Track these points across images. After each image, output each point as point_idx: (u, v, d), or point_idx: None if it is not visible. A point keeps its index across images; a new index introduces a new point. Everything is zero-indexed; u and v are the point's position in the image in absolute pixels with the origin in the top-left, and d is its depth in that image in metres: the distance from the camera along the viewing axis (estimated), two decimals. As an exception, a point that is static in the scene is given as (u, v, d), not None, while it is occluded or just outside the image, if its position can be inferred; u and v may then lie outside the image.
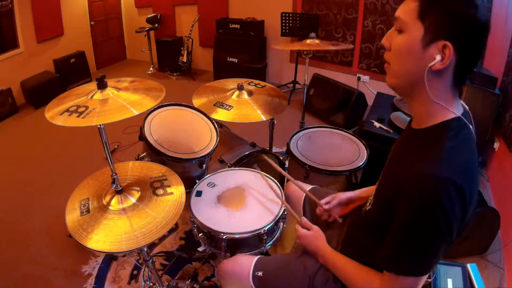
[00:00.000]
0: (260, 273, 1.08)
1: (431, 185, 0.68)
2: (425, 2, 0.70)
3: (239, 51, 4.29)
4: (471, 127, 0.77)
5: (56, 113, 1.04)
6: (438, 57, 0.70)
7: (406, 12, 0.73)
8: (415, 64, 0.73)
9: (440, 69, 0.71)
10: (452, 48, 0.68)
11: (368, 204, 0.99)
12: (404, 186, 0.73)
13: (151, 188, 1.29)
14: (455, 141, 0.73)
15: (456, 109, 0.76)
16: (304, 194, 1.39)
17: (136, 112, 1.05)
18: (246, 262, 1.14)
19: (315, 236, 1.10)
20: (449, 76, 0.73)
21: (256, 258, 1.14)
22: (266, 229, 1.28)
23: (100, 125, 1.07)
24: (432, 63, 0.70)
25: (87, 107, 1.05)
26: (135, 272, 1.83)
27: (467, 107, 0.81)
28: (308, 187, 1.42)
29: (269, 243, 1.34)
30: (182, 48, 4.66)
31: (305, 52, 2.04)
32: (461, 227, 0.73)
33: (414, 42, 0.72)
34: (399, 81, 0.80)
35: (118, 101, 1.10)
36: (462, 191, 0.68)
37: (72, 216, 1.17)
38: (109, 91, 1.13)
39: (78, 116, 1.02)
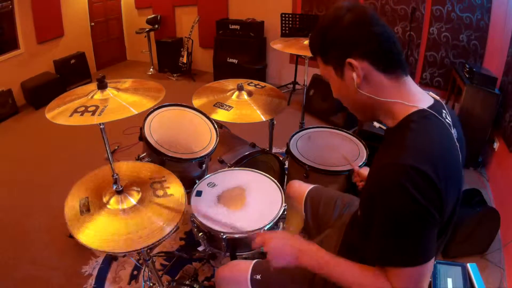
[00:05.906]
0: (258, 276, 1.08)
1: (394, 174, 0.70)
2: (320, 53, 0.85)
3: (239, 52, 4.29)
4: (444, 116, 0.78)
5: (65, 114, 1.05)
6: (355, 75, 0.79)
7: (320, 67, 0.87)
8: (352, 94, 0.83)
9: (364, 79, 0.79)
10: (353, 60, 0.77)
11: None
12: (374, 183, 0.76)
13: (151, 189, 1.30)
14: (417, 130, 0.75)
15: (418, 102, 0.79)
16: (305, 194, 1.39)
17: (135, 112, 1.06)
18: (243, 266, 1.13)
19: (287, 236, 0.94)
20: (376, 75, 0.79)
21: (253, 261, 1.13)
22: (266, 229, 1.29)
23: (101, 125, 1.08)
24: (355, 83, 0.79)
25: (97, 106, 1.07)
26: (135, 272, 1.83)
27: (437, 97, 0.85)
28: (310, 186, 1.43)
29: (269, 243, 1.34)
30: (182, 49, 4.67)
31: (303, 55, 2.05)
32: (443, 206, 0.72)
33: (337, 82, 0.84)
34: (361, 113, 0.89)
35: (119, 101, 1.11)
36: (427, 176, 0.68)
37: (71, 213, 1.18)
38: (109, 91, 1.14)
39: (92, 115, 1.04)
